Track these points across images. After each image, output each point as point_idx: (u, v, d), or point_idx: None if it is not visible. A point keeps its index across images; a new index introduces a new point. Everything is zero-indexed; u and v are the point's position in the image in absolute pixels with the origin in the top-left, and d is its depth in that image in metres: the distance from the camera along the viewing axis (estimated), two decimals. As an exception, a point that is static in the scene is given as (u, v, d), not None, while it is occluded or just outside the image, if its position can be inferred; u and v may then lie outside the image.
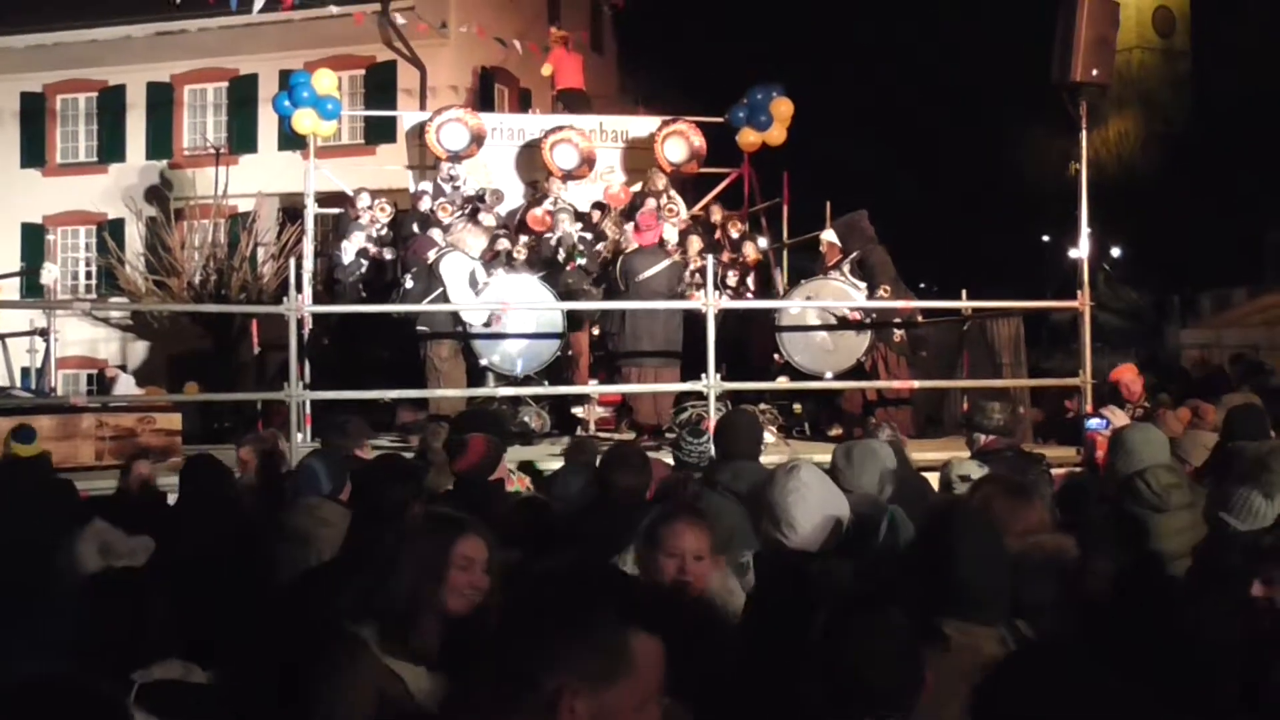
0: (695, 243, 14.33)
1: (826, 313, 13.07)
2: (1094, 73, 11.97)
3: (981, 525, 4.13)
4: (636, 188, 16.29)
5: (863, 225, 13.80)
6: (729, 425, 7.14)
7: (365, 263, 15.04)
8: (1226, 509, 4.85)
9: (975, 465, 6.28)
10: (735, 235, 15.81)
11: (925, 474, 7.57)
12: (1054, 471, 7.69)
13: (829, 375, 12.94)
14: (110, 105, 29.97)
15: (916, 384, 13.24)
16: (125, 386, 18.94)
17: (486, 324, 12.79)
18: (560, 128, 16.69)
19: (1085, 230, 12.53)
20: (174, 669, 3.91)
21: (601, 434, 13.50)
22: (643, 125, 17.57)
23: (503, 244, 14.31)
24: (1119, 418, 8.73)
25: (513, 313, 12.81)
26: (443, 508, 5.26)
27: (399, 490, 5.54)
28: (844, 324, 13.02)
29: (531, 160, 16.91)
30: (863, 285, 13.02)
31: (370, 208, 15.57)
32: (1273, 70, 43.12)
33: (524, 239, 14.78)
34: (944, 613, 3.65)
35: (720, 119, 18.13)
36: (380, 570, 3.79)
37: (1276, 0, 44.06)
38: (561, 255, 14.28)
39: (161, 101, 29.78)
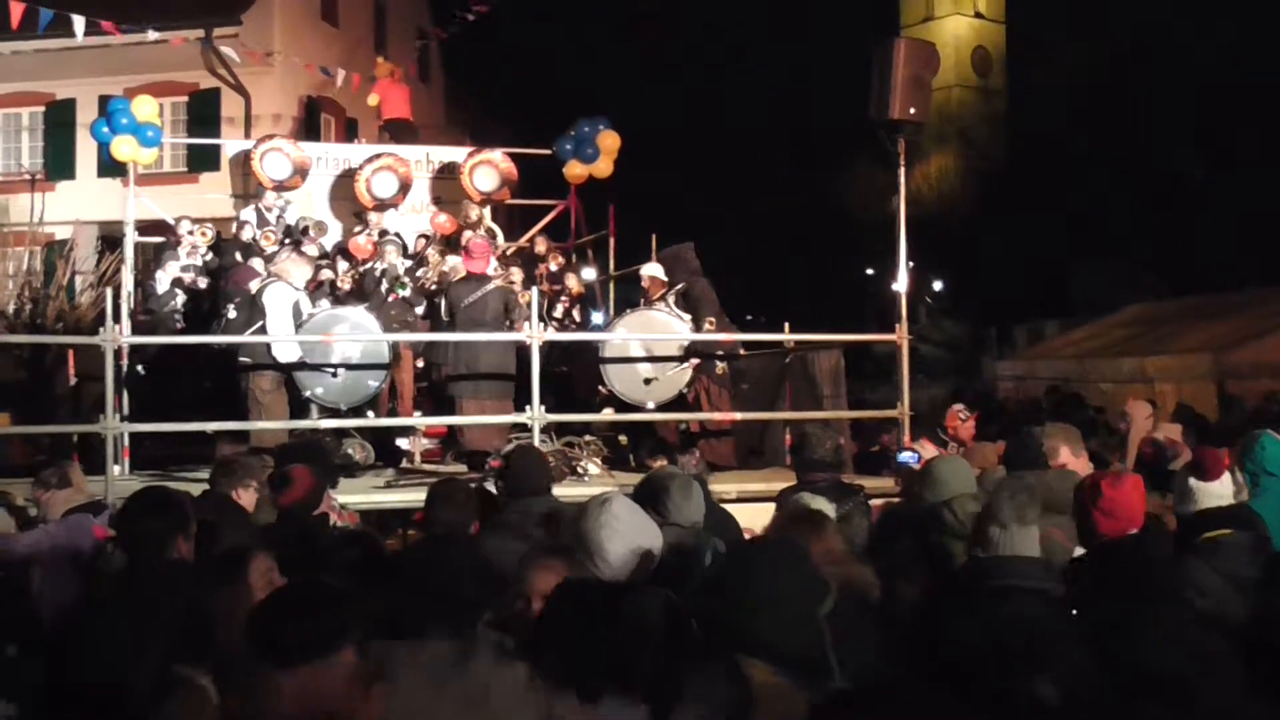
0: (516, 273, 14.35)
1: (648, 344, 13.13)
2: (911, 111, 12.22)
3: (790, 560, 4.19)
4: (442, 218, 16.27)
5: (688, 257, 13.92)
6: (514, 463, 7.03)
7: (180, 293, 14.73)
8: (974, 540, 5.04)
9: (824, 500, 6.33)
10: (555, 268, 15.86)
11: (753, 504, 7.66)
12: (873, 502, 7.80)
13: (651, 405, 13.00)
14: (-81, 128, 29.06)
15: (739, 415, 13.37)
16: (-69, 419, 18.26)
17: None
18: (378, 155, 16.59)
19: (904, 264, 12.80)
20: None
21: (427, 465, 13.40)
22: (462, 155, 17.53)
23: (326, 274, 14.18)
24: (928, 451, 8.94)
25: (337, 344, 12.62)
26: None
27: (159, 523, 5.39)
28: (666, 356, 13.09)
29: (353, 191, 16.80)
30: (686, 317, 13.11)
31: (191, 233, 15.28)
32: (1079, 112, 44.69)
33: (344, 267, 14.66)
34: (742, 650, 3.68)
35: (548, 151, 18.19)
36: (196, 620, 3.76)
37: (1083, 46, 45.70)
38: (384, 287, 14.17)
39: (-26, 125, 28.97)
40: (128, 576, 5.21)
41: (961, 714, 2.75)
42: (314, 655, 3.08)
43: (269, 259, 13.86)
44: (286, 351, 12.37)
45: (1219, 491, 5.75)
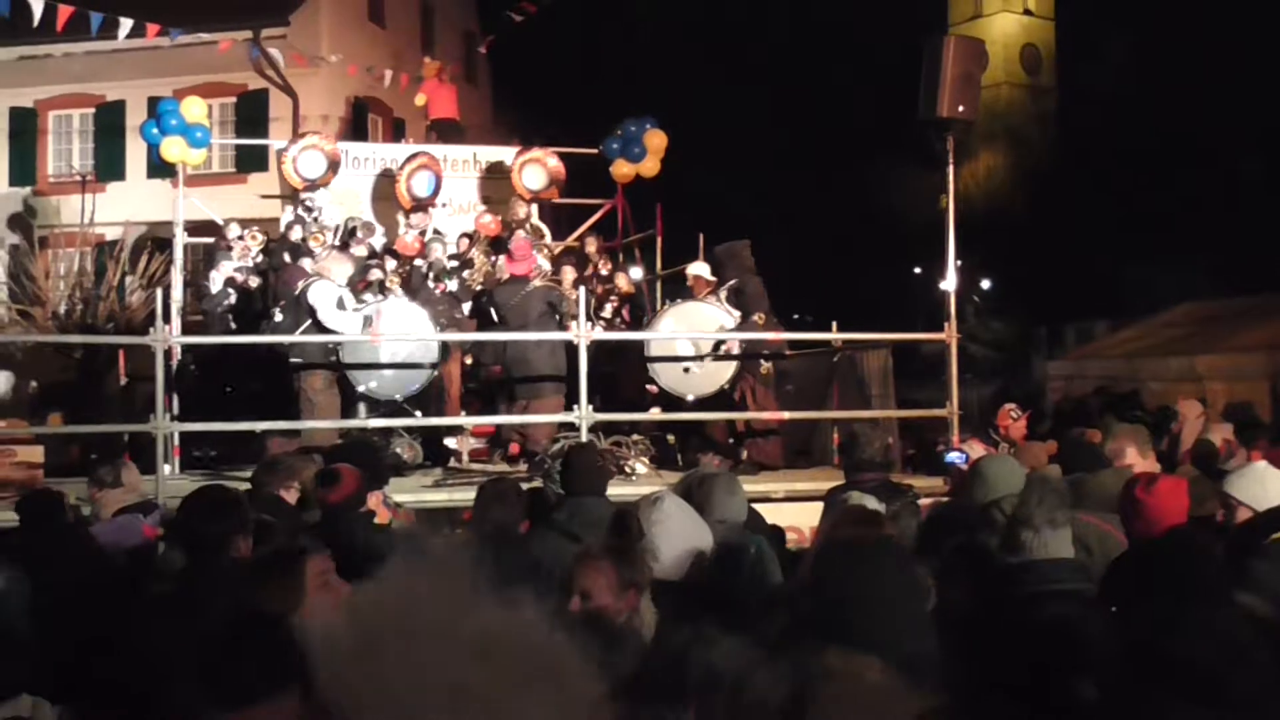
0: (569, 272, 14.36)
1: (697, 342, 13.13)
2: (960, 109, 12.17)
3: (871, 558, 4.18)
4: (487, 219, 16.31)
5: (744, 254, 13.89)
6: (571, 462, 7.02)
7: (233, 292, 14.83)
8: (1003, 546, 5.00)
9: (873, 499, 6.31)
10: (604, 271, 15.87)
11: (800, 504, 7.63)
12: (922, 501, 7.76)
13: (690, 397, 13.01)
14: (-29, 131, 29.33)
15: (787, 415, 13.34)
16: (-15, 418, 18.45)
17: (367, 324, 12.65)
18: (415, 154, 16.66)
19: (953, 263, 12.74)
20: (23, 707, 3.82)
21: (475, 465, 13.43)
22: (510, 155, 17.57)
23: (375, 274, 14.23)
24: (977, 451, 8.89)
25: (385, 337, 12.69)
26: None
27: (220, 523, 5.43)
28: (712, 350, 13.10)
29: (397, 191, 16.89)
30: (735, 312, 13.11)
31: (241, 238, 15.39)
32: (1130, 110, 44.36)
33: (392, 265, 14.72)
34: (829, 642, 3.67)
35: (595, 150, 18.20)
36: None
37: (1134, 45, 45.37)
38: (431, 278, 14.25)
39: (25, 128, 29.24)
40: (187, 576, 5.24)
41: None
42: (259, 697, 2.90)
43: (348, 257, 13.94)
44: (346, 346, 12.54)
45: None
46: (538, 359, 13.09)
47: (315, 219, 15.53)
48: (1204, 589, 4.74)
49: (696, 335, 13.11)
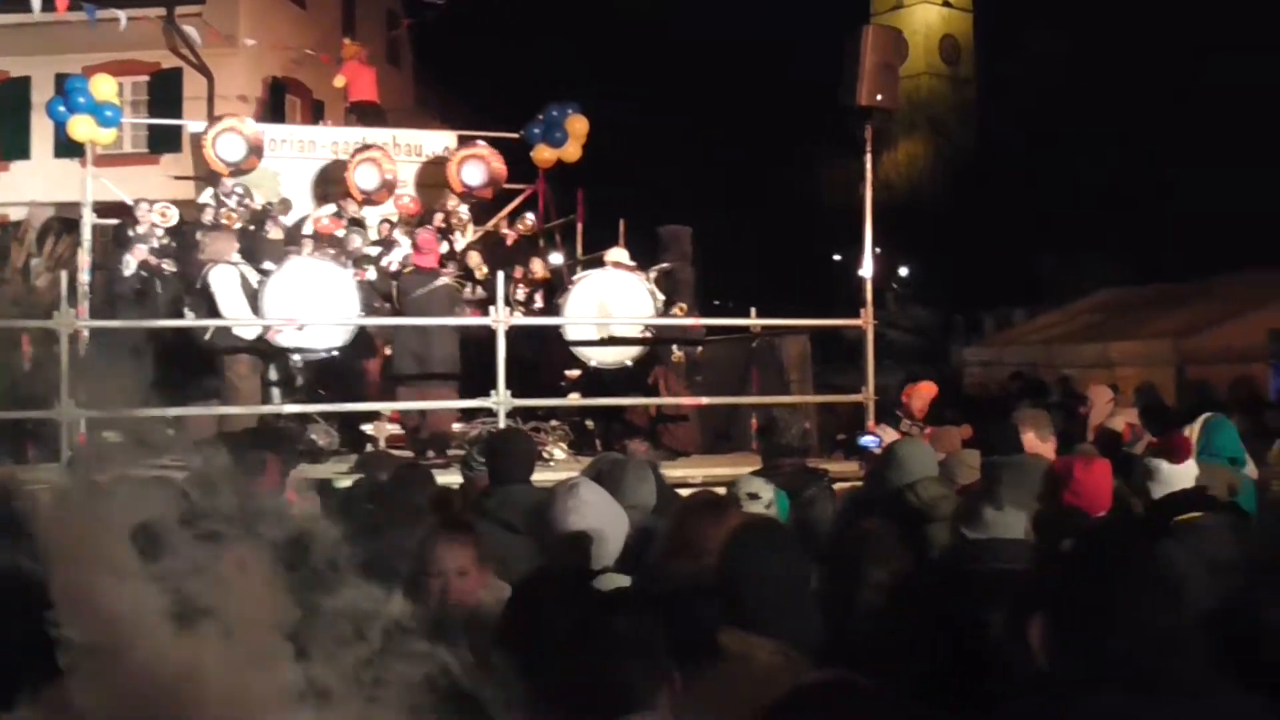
0: (474, 257, 14.34)
1: (606, 308, 13.10)
2: (879, 98, 12.25)
3: (772, 541, 4.20)
4: (405, 199, 16.23)
5: (685, 241, 13.88)
6: (499, 447, 6.89)
7: (146, 275, 14.60)
8: (964, 520, 5.02)
9: (762, 482, 6.33)
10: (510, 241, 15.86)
11: (720, 489, 7.62)
12: (837, 486, 7.80)
13: (596, 362, 13.11)
14: None
15: (706, 400, 13.37)
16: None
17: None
18: (367, 146, 16.50)
19: (870, 250, 12.81)
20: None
21: (393, 451, 13.33)
22: (437, 141, 17.46)
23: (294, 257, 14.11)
24: (889, 435, 8.95)
25: (309, 296, 12.53)
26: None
27: None
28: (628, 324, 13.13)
29: (324, 173, 16.70)
30: (659, 295, 13.12)
31: (150, 212, 15.15)
32: (1047, 101, 44.85)
33: (309, 246, 14.57)
34: (724, 623, 3.68)
35: (516, 135, 18.13)
36: None
37: (1051, 36, 45.85)
38: (351, 268, 14.13)
39: (-76, 102, 28.65)
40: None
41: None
42: None
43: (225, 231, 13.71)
44: (249, 330, 12.37)
45: (1185, 474, 5.74)
46: (432, 353, 12.97)
47: (241, 203, 15.31)
48: (1138, 575, 4.77)
49: (615, 320, 13.09)
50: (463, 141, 17.19)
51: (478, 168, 16.74)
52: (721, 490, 6.29)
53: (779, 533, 4.32)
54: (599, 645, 3.09)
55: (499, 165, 16.85)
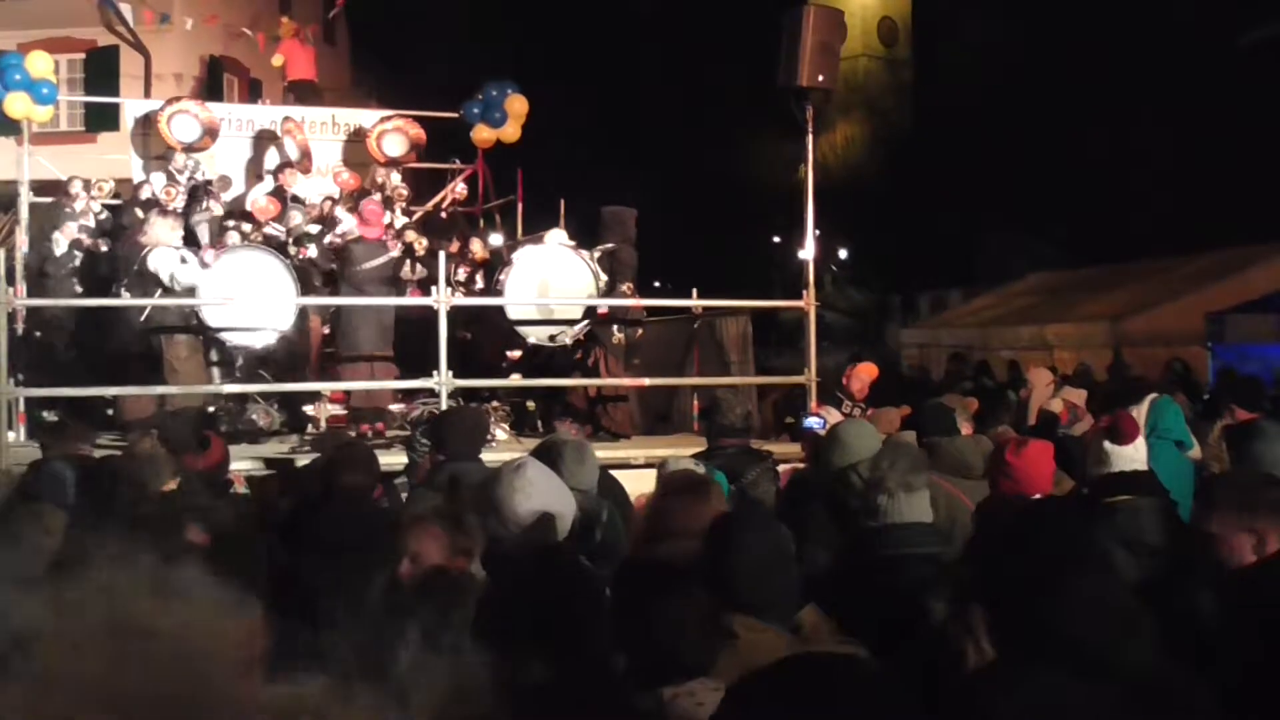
0: (411, 234, 14.35)
1: (548, 286, 13.14)
2: (819, 78, 12.32)
3: (765, 526, 4.25)
4: (345, 175, 16.16)
5: (629, 222, 13.90)
6: (448, 424, 6.96)
7: (79, 254, 14.44)
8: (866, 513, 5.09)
9: (692, 462, 6.38)
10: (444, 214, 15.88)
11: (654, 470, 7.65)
12: (781, 468, 7.85)
13: (533, 338, 13.18)
14: None
15: (647, 381, 13.41)
16: None
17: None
18: (288, 118, 16.41)
19: (811, 232, 12.89)
20: None
21: (335, 431, 13.30)
22: (371, 118, 17.35)
23: (233, 236, 13.98)
24: (834, 416, 9.01)
25: (244, 289, 12.48)
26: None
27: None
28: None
29: (260, 152, 16.57)
30: (602, 275, 13.16)
31: (86, 191, 14.95)
32: (984, 84, 45.13)
33: (247, 228, 14.46)
34: (732, 610, 3.71)
35: (455, 114, 18.05)
36: None
37: (989, 18, 46.13)
38: (292, 246, 14.03)
39: None
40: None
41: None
42: None
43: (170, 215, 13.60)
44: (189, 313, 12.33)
45: (1132, 455, 5.78)
46: (368, 328, 12.95)
47: (193, 176, 15.18)
48: (1081, 557, 4.85)
49: (556, 301, 13.11)
50: (383, 118, 17.09)
51: (397, 138, 16.63)
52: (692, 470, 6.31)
53: (765, 515, 4.36)
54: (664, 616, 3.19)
55: (417, 131, 16.73)
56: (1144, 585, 4.72)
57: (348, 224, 13.88)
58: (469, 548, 4.51)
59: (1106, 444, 5.80)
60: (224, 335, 12.65)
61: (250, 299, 12.46)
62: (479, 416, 7.74)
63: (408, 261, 14.21)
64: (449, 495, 6.00)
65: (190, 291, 12.34)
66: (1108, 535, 5.26)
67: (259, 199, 15.01)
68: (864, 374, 12.15)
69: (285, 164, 15.69)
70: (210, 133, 15.84)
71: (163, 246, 12.33)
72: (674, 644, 3.20)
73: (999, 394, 12.97)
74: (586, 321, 13.14)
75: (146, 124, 16.50)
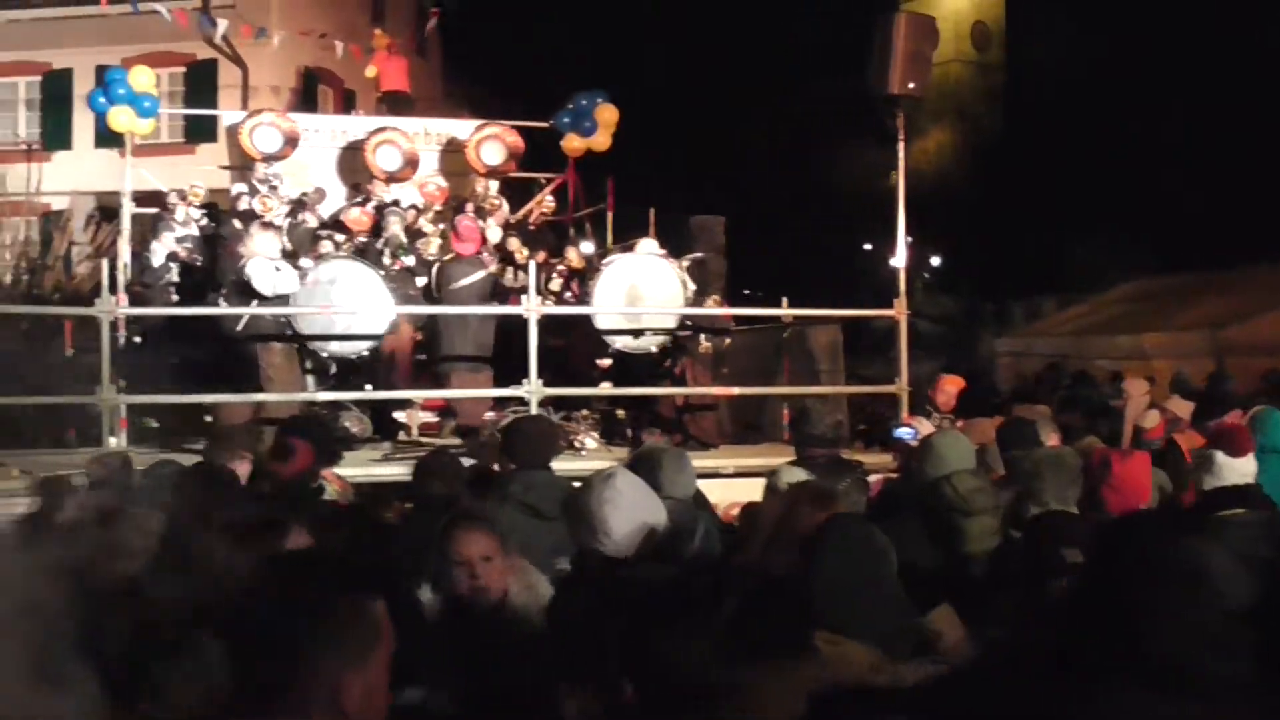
0: (514, 243, 14.39)
1: (638, 292, 13.15)
2: (910, 86, 12.24)
3: (854, 541, 4.21)
4: (430, 186, 16.25)
5: (716, 231, 13.92)
6: (517, 432, 6.92)
7: (174, 265, 14.66)
8: (1012, 525, 5.05)
9: (802, 473, 6.35)
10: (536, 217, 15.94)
11: (750, 479, 7.64)
12: (871, 478, 7.79)
13: (618, 344, 13.22)
14: (-87, 96, 28.93)
15: (736, 390, 13.38)
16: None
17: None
18: (383, 128, 16.53)
19: (903, 239, 12.81)
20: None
21: (424, 439, 13.39)
22: (464, 128, 17.47)
23: (326, 246, 14.12)
24: (926, 426, 8.93)
25: (338, 300, 12.63)
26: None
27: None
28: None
29: (354, 162, 16.72)
30: (691, 283, 13.15)
31: (183, 200, 15.20)
32: (1077, 89, 44.61)
33: (341, 238, 14.59)
34: (815, 624, 3.68)
35: (545, 124, 18.16)
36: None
37: (1084, 23, 45.60)
38: (388, 256, 14.15)
39: (-31, 95, 28.87)
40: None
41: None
42: None
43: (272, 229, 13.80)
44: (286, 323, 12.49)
45: (1244, 469, 5.69)
46: (464, 340, 13.03)
47: (273, 187, 15.38)
48: (1182, 572, 4.76)
49: (646, 310, 13.12)
50: (480, 126, 17.20)
51: (495, 146, 16.75)
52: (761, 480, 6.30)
53: (866, 533, 4.30)
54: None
55: (515, 139, 16.84)
56: (1257, 600, 4.65)
57: (433, 238, 14.04)
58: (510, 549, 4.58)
59: (1219, 456, 5.70)
60: (319, 344, 12.81)
61: (345, 308, 12.60)
62: (548, 425, 7.75)
63: (509, 270, 14.27)
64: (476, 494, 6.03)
65: (285, 301, 12.51)
66: (1221, 549, 5.17)
67: (352, 211, 15.16)
68: (949, 386, 12.01)
69: (374, 176, 15.85)
70: (291, 142, 16.03)
71: (260, 257, 12.51)
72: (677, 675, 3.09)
73: (1102, 404, 12.79)
74: (673, 334, 13.15)
75: (235, 134, 16.77)
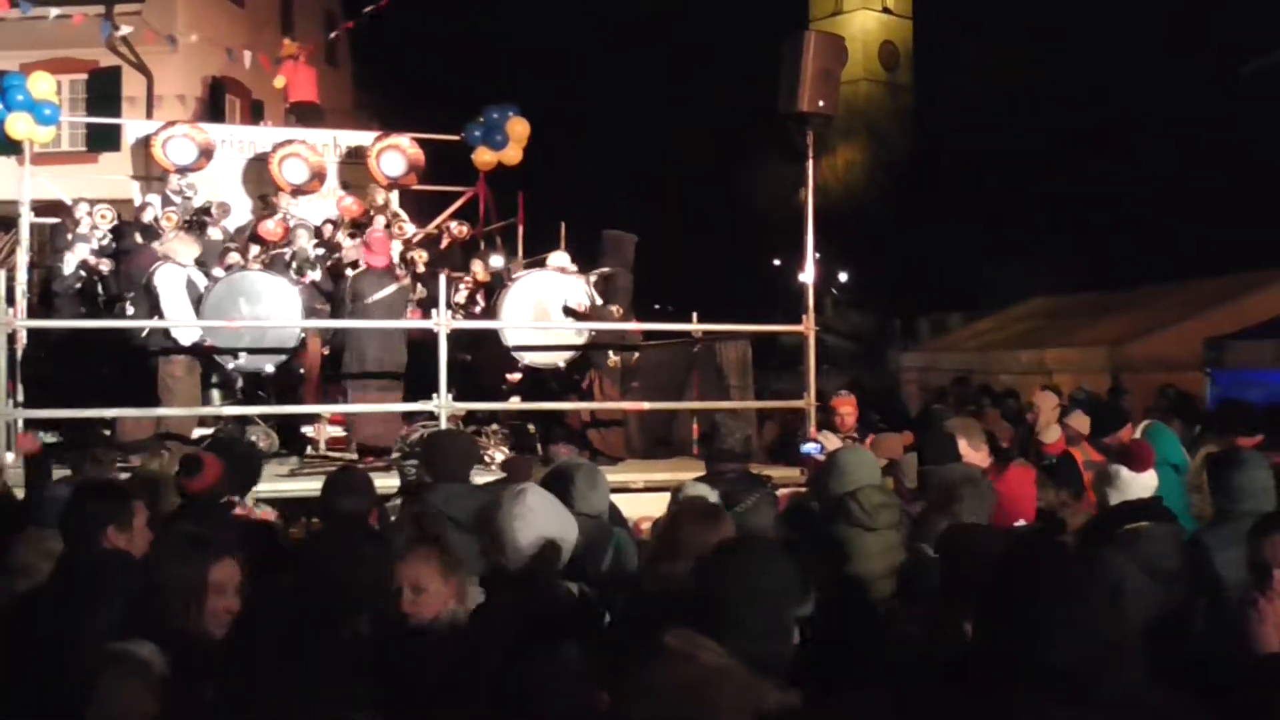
0: (421, 256, 14.36)
1: (544, 308, 13.14)
2: (820, 104, 12.33)
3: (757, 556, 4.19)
4: (348, 201, 16.16)
5: (627, 248, 13.92)
6: (435, 446, 6.95)
7: (85, 275, 14.43)
8: (923, 539, 5.09)
9: (706, 488, 6.36)
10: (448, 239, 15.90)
11: (659, 494, 7.64)
12: (780, 492, 7.81)
13: (526, 360, 13.26)
14: None
15: (646, 405, 13.40)
16: None
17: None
18: (289, 141, 16.40)
19: (811, 256, 12.88)
20: None
21: (332, 454, 13.27)
22: (369, 140, 17.37)
23: (234, 257, 13.96)
24: (832, 441, 8.97)
25: (248, 310, 12.47)
26: (191, 528, 5.09)
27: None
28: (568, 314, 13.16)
29: (261, 174, 16.56)
30: (598, 299, 13.15)
31: (90, 213, 14.95)
32: (984, 109, 45.23)
33: (255, 251, 14.45)
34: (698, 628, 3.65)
35: (456, 137, 18.09)
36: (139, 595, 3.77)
37: (991, 44, 46.24)
38: (294, 270, 14.01)
39: None
40: (64, 566, 5.04)
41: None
42: None
43: (190, 234, 13.63)
44: (188, 334, 12.26)
45: (1147, 483, 5.79)
46: (375, 353, 12.91)
47: (187, 199, 15.19)
48: (1070, 587, 4.82)
49: (554, 325, 13.11)
50: (379, 136, 17.13)
51: (395, 157, 16.69)
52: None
53: (766, 549, 4.27)
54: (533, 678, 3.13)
55: (415, 151, 16.79)
56: (1163, 611, 4.74)
57: (351, 251, 13.92)
58: (459, 570, 4.55)
59: (1123, 471, 5.79)
60: (225, 357, 12.63)
61: (255, 321, 12.44)
62: (467, 439, 7.71)
63: (414, 283, 14.23)
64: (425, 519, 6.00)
65: (196, 307, 12.33)
66: (1126, 562, 5.26)
67: (268, 223, 15.02)
68: (843, 407, 11.97)
69: (294, 190, 15.71)
70: (206, 154, 15.87)
71: (173, 265, 12.32)
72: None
73: (1017, 416, 12.95)
74: (579, 349, 13.15)
75: (145, 146, 16.53)
